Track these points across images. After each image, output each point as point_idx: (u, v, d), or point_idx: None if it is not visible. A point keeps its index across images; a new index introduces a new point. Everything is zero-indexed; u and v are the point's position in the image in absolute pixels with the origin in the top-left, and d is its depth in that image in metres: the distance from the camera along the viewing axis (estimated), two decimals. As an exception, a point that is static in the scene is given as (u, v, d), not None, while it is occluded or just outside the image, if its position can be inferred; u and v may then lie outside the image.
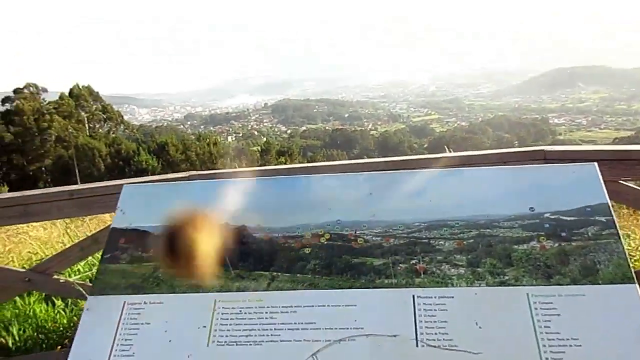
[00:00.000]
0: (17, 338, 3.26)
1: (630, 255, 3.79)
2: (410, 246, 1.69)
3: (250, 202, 1.87)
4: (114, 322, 1.66)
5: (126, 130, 64.75)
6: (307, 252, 1.72)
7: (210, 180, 2.02)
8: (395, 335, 1.51)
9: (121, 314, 1.68)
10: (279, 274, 1.69)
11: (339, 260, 1.69)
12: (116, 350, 1.61)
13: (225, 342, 1.58)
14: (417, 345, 1.48)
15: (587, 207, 1.68)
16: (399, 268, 1.64)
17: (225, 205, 1.87)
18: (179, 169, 43.91)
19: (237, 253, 1.76)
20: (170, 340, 1.60)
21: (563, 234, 1.64)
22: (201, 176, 2.66)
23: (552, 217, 1.68)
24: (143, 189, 1.99)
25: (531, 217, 1.69)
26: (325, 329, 1.55)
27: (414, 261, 1.65)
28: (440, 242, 1.68)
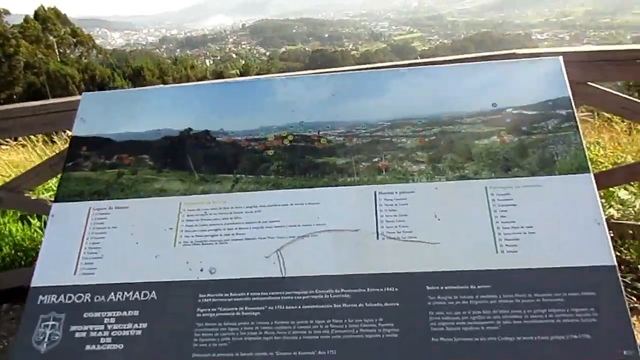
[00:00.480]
0: (-6, 255, 3.29)
1: (598, 162, 3.88)
2: (373, 145, 1.69)
3: (213, 106, 1.84)
4: (80, 227, 1.68)
5: (99, 55, 62.36)
6: (271, 154, 1.72)
7: (171, 86, 1.96)
8: (356, 230, 1.55)
9: (87, 219, 1.69)
10: (243, 176, 1.70)
11: (302, 161, 1.69)
12: (84, 253, 1.63)
13: (192, 242, 1.61)
14: (377, 238, 1.53)
15: (549, 101, 1.68)
16: (361, 166, 1.66)
17: (188, 110, 1.83)
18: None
19: (201, 157, 1.75)
20: (137, 243, 1.63)
21: (524, 128, 1.65)
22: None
23: (514, 112, 1.68)
24: (102, 97, 1.94)
25: (493, 113, 1.69)
26: (289, 226, 1.58)
27: (376, 159, 1.67)
28: (403, 140, 1.69)
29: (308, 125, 1.76)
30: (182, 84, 1.88)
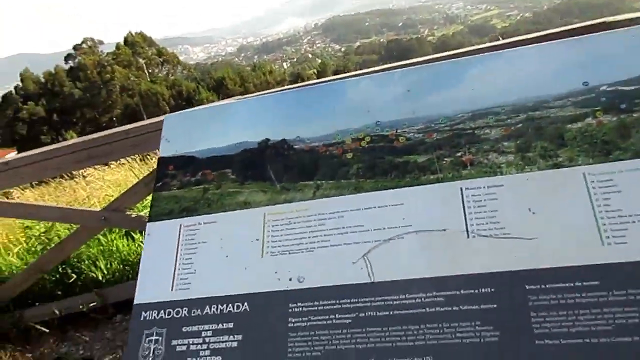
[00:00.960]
0: (105, 272, 3.54)
1: None
2: (454, 139, 1.61)
3: (288, 115, 1.85)
4: (173, 244, 1.75)
5: (184, 71, 65.77)
6: (349, 157, 1.70)
7: (246, 98, 2.00)
8: (444, 230, 1.48)
9: (179, 236, 1.76)
10: (323, 182, 1.69)
11: (382, 162, 1.65)
12: (179, 269, 1.70)
13: (279, 252, 1.62)
14: (467, 237, 1.45)
15: (649, 73, 1.52)
16: (444, 162, 1.59)
17: (264, 121, 1.86)
18: (240, 102, 44.36)
19: (281, 167, 1.76)
20: (227, 256, 1.67)
21: (622, 106, 1.50)
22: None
23: (609, 89, 1.54)
24: (184, 116, 2.01)
25: (585, 92, 1.55)
26: (374, 230, 1.55)
27: (459, 153, 1.59)
28: (486, 131, 1.60)
29: (385, 125, 1.71)
30: (256, 95, 1.91)
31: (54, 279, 3.62)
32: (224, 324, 1.57)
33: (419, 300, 1.42)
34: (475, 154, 1.57)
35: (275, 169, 1.76)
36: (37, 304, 3.60)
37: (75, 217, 3.35)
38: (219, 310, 1.60)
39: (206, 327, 1.59)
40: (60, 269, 3.63)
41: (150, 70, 62.04)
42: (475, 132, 1.61)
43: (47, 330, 3.47)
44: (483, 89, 1.66)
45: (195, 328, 1.60)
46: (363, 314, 1.46)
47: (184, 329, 1.61)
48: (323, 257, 1.56)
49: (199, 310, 1.62)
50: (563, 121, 1.53)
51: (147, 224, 1.82)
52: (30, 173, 3.11)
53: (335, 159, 1.71)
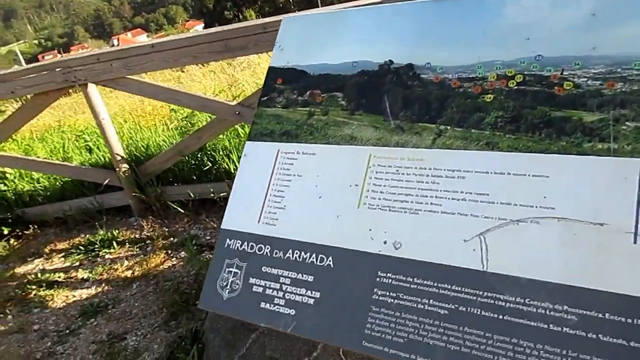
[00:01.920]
0: (237, 164, 3.57)
1: None
2: (648, 94, 1.11)
3: (421, 32, 1.44)
4: (268, 171, 1.54)
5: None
6: (489, 100, 1.28)
7: (376, 5, 1.61)
8: (601, 224, 1.06)
9: (275, 163, 1.54)
10: (449, 127, 1.31)
11: (533, 113, 1.22)
12: (269, 201, 1.51)
13: (378, 205, 1.33)
14: (634, 242, 1.02)
15: None
16: (624, 128, 1.11)
17: (390, 36, 1.48)
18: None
19: (400, 99, 1.41)
20: (320, 197, 1.42)
21: None
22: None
23: None
24: (301, 22, 1.70)
25: None
26: (502, 203, 1.17)
27: (652, 118, 1.09)
28: None
29: (548, 61, 1.24)
30: (388, 4, 1.52)
31: (192, 164, 3.76)
32: (305, 276, 1.37)
33: (542, 311, 1.06)
34: (676, 122, 1.06)
35: (392, 101, 1.42)
36: (176, 184, 3.81)
37: (212, 107, 3.34)
38: (301, 258, 1.39)
39: (286, 273, 1.40)
40: (198, 155, 3.74)
41: (331, -48, 60.75)
42: (686, 88, 1.08)
43: (182, 211, 3.68)
44: None
45: (275, 271, 1.42)
46: (464, 309, 1.14)
47: (263, 269, 1.44)
48: (429, 224, 1.24)
49: (281, 252, 1.43)
50: None
51: (246, 142, 1.63)
52: (171, 58, 3.10)
53: (470, 99, 1.31)
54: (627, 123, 1.11)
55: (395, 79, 1.43)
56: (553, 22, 1.26)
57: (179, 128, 4.05)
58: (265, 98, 1.66)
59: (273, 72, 1.68)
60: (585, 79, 1.18)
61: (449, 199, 1.24)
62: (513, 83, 1.26)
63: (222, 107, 3.33)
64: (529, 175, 1.16)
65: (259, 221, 1.50)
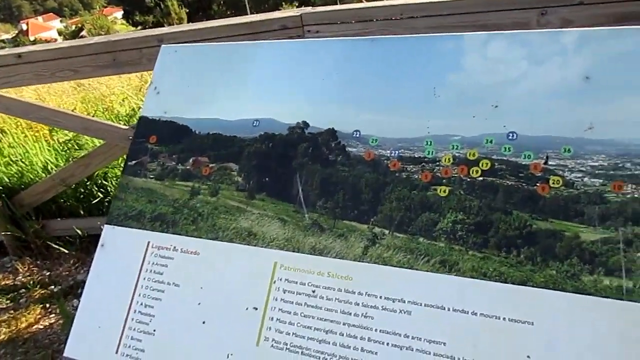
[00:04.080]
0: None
1: None
2: (674, 206, 0.76)
3: (349, 82, 1.03)
4: (132, 275, 1.08)
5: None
6: (443, 193, 0.89)
7: (287, 40, 1.18)
8: (616, 412, 0.70)
9: (143, 262, 1.08)
10: (386, 231, 0.91)
11: (506, 221, 0.84)
12: (132, 320, 1.04)
13: (286, 344, 0.91)
14: None
15: None
16: (639, 255, 0.75)
17: (307, 87, 1.06)
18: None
19: (318, 181, 0.99)
20: (204, 322, 0.98)
21: None
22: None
23: None
24: (186, 54, 1.24)
25: None
26: None
27: (680, 244, 0.74)
28: None
29: (525, 142, 0.87)
30: (302, 40, 1.10)
31: (79, 195, 3.17)
32: None
33: None
34: None
35: (307, 184, 1.00)
36: (60, 218, 3.22)
37: (101, 130, 2.79)
38: (175, 415, 0.95)
39: None
40: (87, 184, 3.16)
41: (256, -58, 59.62)
42: None
43: (67, 251, 3.09)
44: None
45: None
46: None
47: None
48: (360, 381, 0.84)
49: (147, 403, 0.98)
50: None
51: (105, 227, 1.16)
52: (46, 72, 2.51)
53: (416, 190, 0.91)
54: (644, 249, 0.75)
55: (312, 150, 1.01)
56: (532, 85, 0.89)
57: (64, 151, 3.43)
58: (134, 162, 1.19)
59: (145, 125, 1.21)
60: (581, 175, 0.82)
61: (387, 344, 0.84)
62: (477, 171, 0.88)
63: (113, 131, 2.78)
64: (503, 318, 0.78)
65: (117, 351, 1.03)
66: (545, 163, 0.84)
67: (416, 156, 0.93)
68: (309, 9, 2.07)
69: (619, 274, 0.75)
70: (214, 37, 2.07)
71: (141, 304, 1.05)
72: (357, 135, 0.98)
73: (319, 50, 1.07)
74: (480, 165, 0.88)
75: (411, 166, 0.92)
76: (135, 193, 1.15)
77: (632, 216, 0.77)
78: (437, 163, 0.91)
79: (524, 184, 0.84)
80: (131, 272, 1.08)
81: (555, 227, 0.80)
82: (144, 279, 1.06)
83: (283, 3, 33.41)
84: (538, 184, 0.83)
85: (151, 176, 1.15)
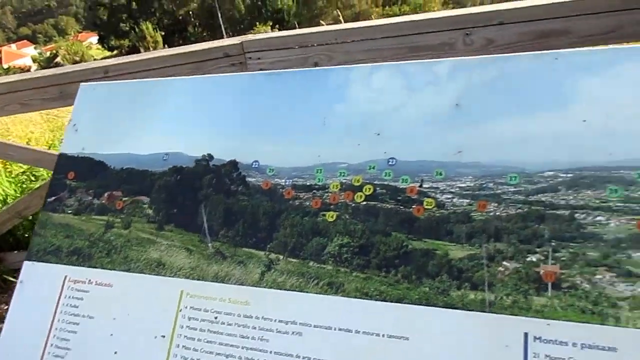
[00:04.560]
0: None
1: None
2: (529, 223, 0.82)
3: (249, 116, 1.09)
4: (50, 307, 1.11)
5: (263, -33, 62.96)
6: (331, 219, 0.95)
7: (192, 77, 1.23)
8: (478, 418, 0.75)
9: (60, 296, 1.11)
10: (281, 257, 0.96)
11: (386, 242, 0.89)
12: (49, 354, 1.07)
13: (191, 369, 0.94)
14: None
15: None
16: (501, 270, 0.81)
17: (212, 120, 1.11)
18: (316, 6, 42.60)
19: (221, 211, 1.04)
20: (116, 352, 1.01)
21: None
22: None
23: None
24: (101, 92, 1.29)
25: None
26: (349, 375, 0.83)
27: (534, 257, 0.80)
28: (598, 219, 0.79)
29: (403, 167, 0.93)
30: (211, 75, 1.16)
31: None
32: None
33: None
34: (568, 263, 0.78)
35: (211, 214, 1.04)
36: (18, 251, 3.21)
37: (53, 163, 2.80)
38: None
39: None
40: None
41: (229, -36, 60.08)
42: (576, 215, 0.80)
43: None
44: (606, 119, 0.82)
45: None
46: None
47: None
48: (257, 402, 0.88)
49: None
50: None
51: (24, 263, 1.19)
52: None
53: (307, 217, 0.96)
54: (504, 263, 0.81)
55: (215, 181, 1.06)
56: (410, 113, 0.95)
57: (19, 183, 3.43)
58: (53, 199, 1.22)
59: (64, 162, 1.25)
60: (451, 196, 0.87)
61: (281, 365, 0.88)
62: (361, 197, 0.94)
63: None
64: (383, 335, 0.83)
65: (34, 385, 1.06)
66: (420, 186, 0.90)
67: (308, 184, 0.98)
68: (250, 37, 2.13)
69: (482, 288, 0.80)
70: (160, 67, 2.12)
71: (58, 337, 1.07)
72: (257, 166, 1.03)
73: (222, 85, 1.13)
74: (364, 190, 0.93)
75: (303, 194, 0.98)
76: (54, 229, 1.18)
77: (494, 233, 0.83)
78: (326, 190, 0.96)
79: (401, 207, 0.89)
80: (49, 307, 1.11)
81: (428, 246, 0.86)
82: (61, 312, 1.09)
83: (257, 24, 33.76)
84: (414, 206, 0.89)
85: (69, 211, 1.19)
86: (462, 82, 0.92)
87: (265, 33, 2.29)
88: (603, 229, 0.77)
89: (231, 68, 2.03)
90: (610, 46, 1.21)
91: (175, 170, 1.10)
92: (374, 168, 0.94)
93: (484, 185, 0.86)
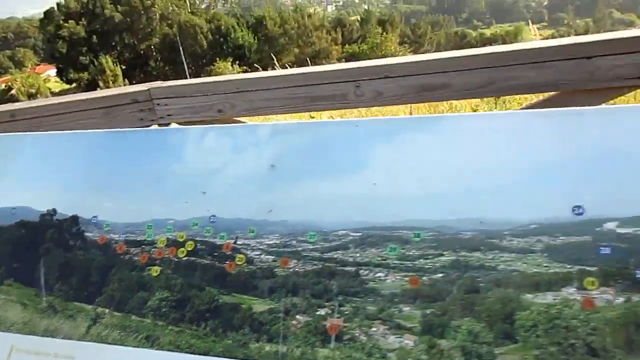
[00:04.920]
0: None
1: None
2: (322, 278, 0.89)
3: (92, 171, 1.14)
4: None
5: (225, 5, 63.93)
6: (155, 273, 0.99)
7: (49, 133, 1.29)
8: None
9: None
10: (107, 310, 0.99)
11: (200, 296, 0.95)
12: None
13: None
14: None
15: None
16: (294, 323, 0.87)
17: (60, 174, 1.16)
18: (277, 43, 43.25)
19: (58, 265, 1.07)
20: (-55, 408, 1.02)
21: (640, 275, 0.75)
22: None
23: (626, 230, 0.78)
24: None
25: (576, 229, 0.80)
26: None
27: (323, 311, 0.87)
28: (379, 275, 0.86)
29: (222, 225, 0.99)
30: (65, 133, 1.21)
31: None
32: None
33: None
34: (349, 317, 0.85)
35: (49, 268, 1.08)
36: None
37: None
38: None
39: None
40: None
41: (191, 1, 60.69)
42: (360, 271, 0.88)
43: None
44: (393, 185, 0.91)
45: None
46: None
47: None
48: None
49: None
50: (521, 285, 0.79)
51: None
52: None
53: (135, 271, 1.01)
54: (297, 317, 0.87)
55: (57, 236, 1.10)
56: (232, 173, 1.02)
57: None
58: None
59: None
60: (259, 252, 0.94)
61: (95, 418, 0.91)
62: (183, 252, 0.99)
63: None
64: (190, 387, 0.88)
65: None
66: (235, 243, 0.96)
67: (139, 239, 1.03)
68: (157, 84, 2.18)
69: (277, 340, 0.86)
70: (69, 112, 2.15)
71: None
72: (95, 221, 1.08)
73: (72, 141, 1.18)
74: (186, 246, 0.99)
75: (133, 248, 1.02)
76: None
77: (292, 288, 0.89)
78: (154, 245, 1.01)
79: (217, 262, 0.95)
80: None
81: (236, 301, 0.91)
82: None
83: (217, 59, 34.05)
84: (227, 262, 0.95)
85: None
86: (279, 145, 1.00)
87: (171, 81, 2.35)
88: (381, 284, 0.85)
89: (140, 114, 2.08)
90: (403, 115, 1.33)
91: (21, 224, 1.14)
92: (197, 225, 1.00)
93: (288, 243, 0.92)
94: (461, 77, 1.74)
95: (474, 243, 0.82)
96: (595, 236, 0.77)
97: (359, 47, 38.92)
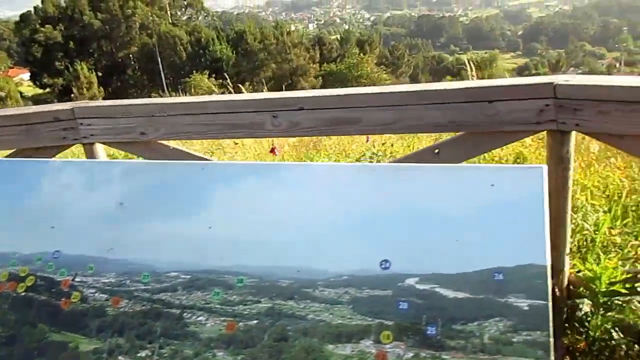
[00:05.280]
0: None
1: None
2: (148, 319, 0.91)
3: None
4: None
5: (207, 17, 64.00)
6: (-6, 307, 1.00)
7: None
8: None
9: None
10: (-56, 343, 0.99)
11: (32, 333, 0.95)
12: None
13: None
14: None
15: (496, 272, 0.79)
16: (115, 363, 0.88)
17: None
18: (257, 58, 43.38)
19: None
20: None
21: (431, 330, 0.78)
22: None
23: (424, 286, 0.82)
24: None
25: (381, 283, 0.83)
26: None
27: (144, 353, 0.88)
28: (200, 319, 0.88)
29: (65, 261, 1.00)
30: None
31: None
32: None
33: None
34: (168, 360, 0.86)
35: None
36: None
37: None
38: None
39: None
40: None
41: (172, 12, 60.57)
42: (184, 314, 0.89)
43: None
44: (221, 229, 0.94)
45: None
46: None
47: None
48: None
49: None
50: (325, 335, 0.82)
51: None
52: None
53: (-20, 304, 1.01)
54: (119, 358, 0.88)
55: None
56: (83, 209, 1.03)
57: None
58: None
59: None
60: (94, 291, 0.95)
61: None
62: (22, 287, 1.00)
63: None
64: None
65: None
66: (73, 279, 0.97)
67: (-11, 272, 1.03)
68: (81, 103, 2.18)
69: (96, 381, 0.87)
70: (-10, 127, 2.12)
71: None
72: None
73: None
74: (26, 281, 1.00)
75: (-20, 282, 1.02)
76: None
77: (119, 328, 0.90)
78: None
79: (53, 299, 0.96)
80: None
81: (65, 339, 0.92)
82: None
83: (194, 71, 33.93)
84: (63, 299, 0.96)
85: None
86: (131, 183, 1.02)
87: (96, 102, 2.34)
88: (201, 328, 0.87)
89: (63, 132, 2.07)
90: (244, 162, 1.36)
91: None
92: (40, 260, 1.00)
93: (123, 282, 0.94)
94: (372, 113, 1.79)
95: (289, 291, 0.85)
96: (396, 290, 0.81)
97: (336, 66, 39.28)
